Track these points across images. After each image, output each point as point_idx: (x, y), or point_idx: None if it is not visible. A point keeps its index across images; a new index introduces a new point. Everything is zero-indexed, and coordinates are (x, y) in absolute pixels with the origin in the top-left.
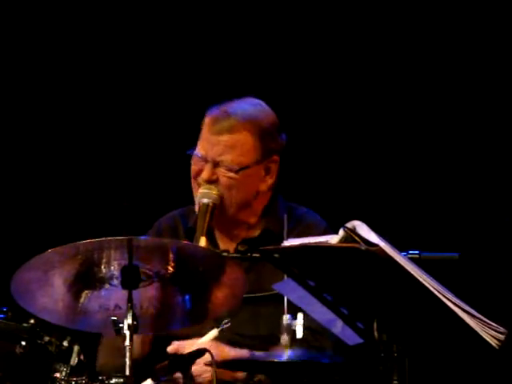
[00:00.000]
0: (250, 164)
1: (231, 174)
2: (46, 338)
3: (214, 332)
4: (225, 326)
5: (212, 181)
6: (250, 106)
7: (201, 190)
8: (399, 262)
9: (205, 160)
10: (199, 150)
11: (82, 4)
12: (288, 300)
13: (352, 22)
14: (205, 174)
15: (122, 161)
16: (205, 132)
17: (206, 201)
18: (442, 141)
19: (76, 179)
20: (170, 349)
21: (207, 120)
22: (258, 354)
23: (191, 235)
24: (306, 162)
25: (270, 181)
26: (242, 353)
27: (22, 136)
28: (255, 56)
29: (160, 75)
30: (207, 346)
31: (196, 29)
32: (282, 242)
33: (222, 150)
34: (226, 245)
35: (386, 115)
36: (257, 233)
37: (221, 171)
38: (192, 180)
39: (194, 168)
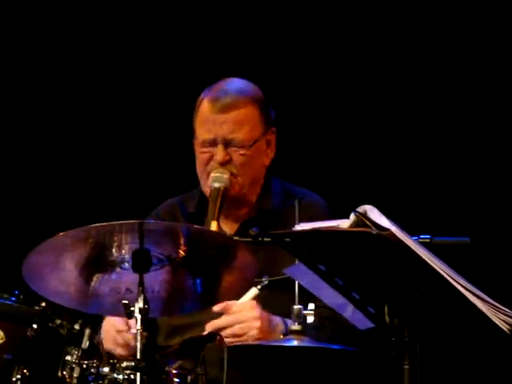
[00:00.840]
0: (258, 137)
1: (244, 151)
2: (58, 321)
3: (254, 290)
4: (264, 283)
5: (226, 162)
6: (242, 82)
7: (212, 174)
8: (410, 246)
9: (214, 142)
10: (205, 134)
11: (81, 4)
12: (299, 288)
13: (351, 21)
14: (219, 156)
15: (127, 150)
16: (206, 114)
17: (217, 185)
18: (454, 127)
19: (85, 164)
20: (216, 308)
21: (206, 101)
22: (290, 322)
23: (194, 220)
24: (314, 145)
25: (271, 154)
26: (276, 319)
27: (33, 123)
28: (254, 55)
29: (155, 73)
30: (252, 305)
31: (195, 30)
32: (279, 222)
33: (232, 128)
34: (226, 226)
35: (393, 101)
36: (255, 212)
37: (233, 149)
38: (200, 168)
39: (202, 156)
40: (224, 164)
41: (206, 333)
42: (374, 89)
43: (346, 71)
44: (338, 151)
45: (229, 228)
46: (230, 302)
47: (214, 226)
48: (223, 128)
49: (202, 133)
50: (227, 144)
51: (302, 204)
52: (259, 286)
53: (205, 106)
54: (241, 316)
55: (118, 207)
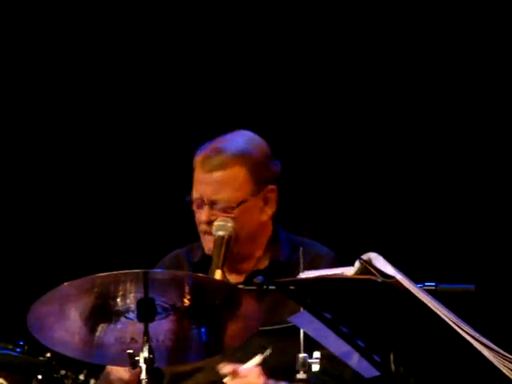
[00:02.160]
0: (246, 198)
1: (228, 214)
2: (63, 372)
3: (258, 358)
4: (267, 354)
5: (212, 221)
6: (240, 140)
7: (216, 223)
8: (416, 294)
9: (201, 202)
10: (195, 194)
11: (82, 4)
12: (303, 336)
13: (349, 27)
14: (204, 216)
15: (135, 198)
16: (197, 173)
17: (221, 233)
18: (457, 172)
19: (91, 214)
20: (224, 371)
21: (198, 159)
22: None
23: (199, 270)
24: (314, 194)
25: (269, 211)
26: None
27: (40, 160)
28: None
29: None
30: (259, 372)
31: (195, 46)
32: (290, 272)
33: (217, 189)
34: (233, 279)
35: (393, 143)
36: (264, 264)
37: (218, 211)
38: (197, 228)
39: (196, 217)
40: (210, 224)
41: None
42: (375, 133)
43: (344, 119)
44: (342, 199)
45: (236, 280)
46: (237, 366)
47: (218, 275)
48: (207, 189)
49: (193, 192)
50: (213, 204)
51: (310, 255)
52: (263, 357)
53: (196, 165)
54: (246, 381)
55: (123, 257)
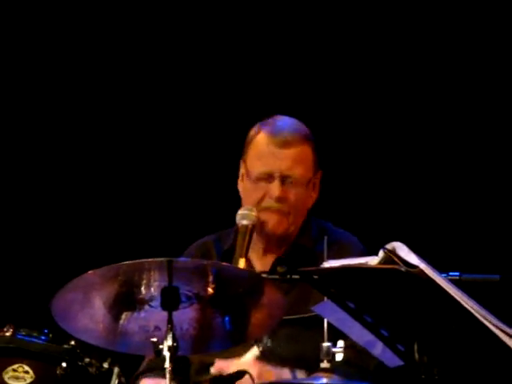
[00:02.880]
0: (311, 178)
1: (298, 190)
2: (87, 360)
3: (255, 351)
4: (266, 344)
5: (283, 198)
6: (295, 121)
7: (240, 212)
8: (439, 283)
9: (270, 177)
10: (261, 167)
11: (82, 4)
12: (328, 325)
13: (351, 27)
14: (277, 191)
15: (161, 185)
16: (263, 148)
17: (245, 222)
18: (481, 166)
19: (116, 203)
20: (213, 369)
21: (263, 135)
22: (299, 375)
23: (228, 258)
24: (340, 182)
25: (314, 196)
26: (283, 373)
27: (60, 156)
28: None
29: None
30: (250, 365)
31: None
32: (315, 260)
33: (291, 164)
34: (261, 263)
35: (424, 137)
36: (289, 249)
37: (289, 187)
38: (252, 203)
39: (256, 192)
40: (280, 200)
41: (235, 370)
42: (404, 127)
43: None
44: (367, 188)
45: (263, 264)
46: (227, 362)
47: (241, 264)
48: (282, 163)
49: (258, 166)
50: (283, 180)
51: (338, 245)
52: (260, 347)
53: (262, 140)
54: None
55: (148, 245)
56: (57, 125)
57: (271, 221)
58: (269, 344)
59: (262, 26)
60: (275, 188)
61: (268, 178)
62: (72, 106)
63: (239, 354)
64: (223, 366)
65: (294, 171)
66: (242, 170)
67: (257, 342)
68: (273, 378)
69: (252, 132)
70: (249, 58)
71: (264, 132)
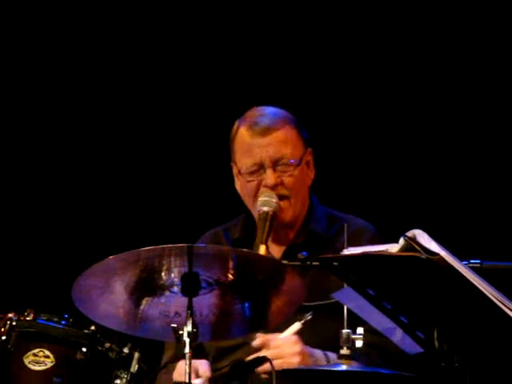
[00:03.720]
0: (301, 157)
1: (292, 171)
2: (107, 345)
3: (297, 325)
4: (308, 318)
5: (277, 184)
6: (273, 108)
7: (261, 198)
8: (460, 271)
9: (261, 167)
10: (250, 161)
11: (82, 4)
12: (347, 312)
13: (352, 27)
14: (270, 180)
15: (177, 177)
16: (246, 141)
17: (266, 209)
18: (499, 155)
19: (135, 190)
20: (255, 343)
21: (243, 129)
22: (331, 355)
23: (239, 246)
24: (360, 168)
25: (311, 174)
26: (317, 353)
27: (81, 143)
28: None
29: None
30: (293, 340)
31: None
32: (327, 246)
33: (279, 147)
34: (273, 249)
35: (442, 125)
36: (301, 237)
37: (282, 171)
38: (250, 198)
39: (250, 185)
40: (275, 187)
41: (254, 356)
42: (415, 118)
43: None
44: (388, 176)
45: (276, 251)
46: (269, 337)
47: (262, 250)
48: (269, 150)
49: (246, 160)
50: (275, 166)
51: (350, 229)
52: (303, 321)
53: (243, 134)
54: (280, 351)
55: (167, 231)
56: (64, 116)
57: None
58: (309, 317)
59: (259, 27)
60: (268, 176)
61: (259, 168)
62: (71, 102)
63: (281, 327)
64: (266, 340)
65: (282, 153)
66: (234, 171)
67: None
68: (310, 357)
69: (233, 130)
70: (248, 59)
71: (243, 126)
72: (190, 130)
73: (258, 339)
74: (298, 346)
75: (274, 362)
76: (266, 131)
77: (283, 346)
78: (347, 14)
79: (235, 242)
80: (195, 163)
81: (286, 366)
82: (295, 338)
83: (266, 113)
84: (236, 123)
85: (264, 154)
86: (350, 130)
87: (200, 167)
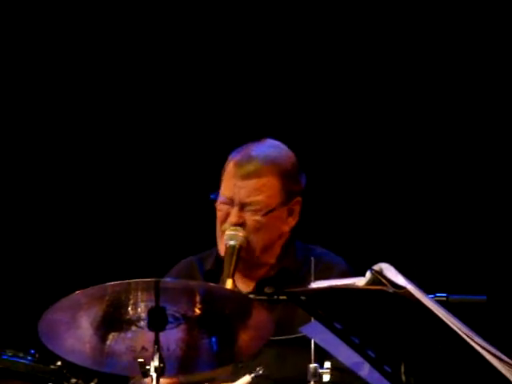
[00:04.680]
0: (275, 207)
1: (258, 218)
2: (73, 380)
3: (247, 378)
4: (259, 372)
5: (239, 224)
6: (272, 149)
7: (227, 232)
8: (427, 304)
9: (231, 203)
10: (225, 193)
11: (82, 4)
12: (315, 346)
13: (353, 27)
14: (232, 218)
15: (148, 205)
16: (230, 176)
17: (232, 243)
18: (468, 182)
19: (101, 223)
20: None
21: (231, 164)
22: None
23: (210, 278)
24: (326, 204)
25: (292, 222)
26: None
27: (44, 165)
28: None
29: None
30: None
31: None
32: (299, 282)
33: (250, 193)
34: (243, 285)
35: (401, 154)
36: (274, 272)
37: (248, 214)
38: (218, 226)
39: (220, 214)
40: (236, 226)
41: None
42: (383, 145)
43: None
44: (353, 209)
45: (246, 286)
46: None
47: (229, 284)
48: (241, 192)
49: (223, 191)
50: (243, 207)
51: (322, 264)
52: (253, 375)
53: (229, 169)
54: None
55: (134, 265)
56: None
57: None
58: (261, 372)
59: (260, 31)
60: (232, 214)
61: (230, 203)
62: (69, 117)
63: (232, 381)
64: None
65: (252, 199)
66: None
67: (249, 369)
68: None
69: (228, 158)
70: (249, 63)
71: (232, 162)
72: (159, 164)
73: None
74: None
75: None
76: (246, 175)
77: None
78: (346, 19)
79: (207, 274)
80: (165, 196)
81: None
82: None
83: (257, 155)
84: (231, 154)
85: (237, 193)
86: (321, 165)
87: (170, 199)
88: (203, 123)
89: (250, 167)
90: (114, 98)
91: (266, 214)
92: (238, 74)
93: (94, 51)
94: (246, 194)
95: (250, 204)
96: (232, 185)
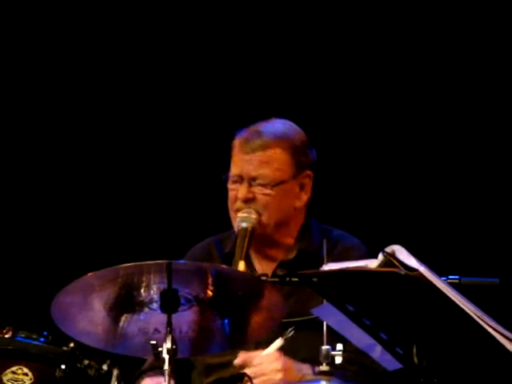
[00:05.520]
0: (285, 179)
1: (268, 191)
2: (86, 362)
3: (279, 341)
4: (289, 334)
5: (249, 199)
6: (279, 125)
7: (240, 214)
8: (439, 286)
9: (240, 179)
10: (233, 170)
11: (82, 4)
12: (327, 328)
13: (354, 27)
14: (241, 193)
15: (162, 187)
16: (237, 153)
17: (244, 225)
18: (479, 171)
19: (117, 205)
20: (237, 361)
21: (238, 141)
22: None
23: (229, 261)
24: (342, 185)
25: (305, 197)
26: (304, 367)
27: (64, 159)
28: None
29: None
30: (275, 356)
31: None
32: (318, 264)
33: (257, 166)
34: (263, 267)
35: (424, 140)
36: (293, 255)
37: (257, 188)
38: (230, 207)
39: (231, 194)
40: (247, 202)
41: (234, 373)
42: (404, 130)
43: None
44: (367, 191)
45: (268, 268)
46: (251, 354)
47: (241, 266)
48: (249, 166)
49: (232, 170)
50: (252, 182)
51: (341, 246)
52: (285, 337)
53: (236, 145)
54: (262, 369)
55: (149, 248)
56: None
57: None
58: (292, 333)
59: (261, 28)
60: (241, 190)
61: (239, 180)
62: (69, 115)
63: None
64: (247, 358)
65: (259, 172)
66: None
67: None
68: (295, 372)
69: (234, 138)
70: (249, 59)
71: (238, 139)
72: (178, 141)
73: (239, 358)
74: (279, 363)
75: (257, 380)
76: (252, 149)
77: (265, 363)
78: (347, 19)
79: (225, 257)
80: (179, 178)
81: (268, 383)
82: (277, 354)
83: (263, 130)
84: (237, 133)
85: (244, 167)
86: (339, 149)
87: (184, 182)
88: (219, 103)
89: (257, 142)
90: (120, 78)
91: (275, 187)
92: (253, 54)
93: (94, 51)
94: (253, 167)
95: (258, 178)
96: (239, 161)
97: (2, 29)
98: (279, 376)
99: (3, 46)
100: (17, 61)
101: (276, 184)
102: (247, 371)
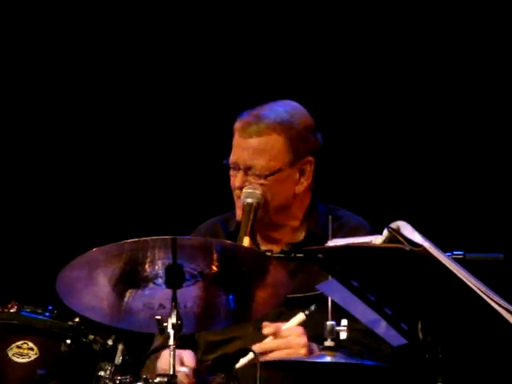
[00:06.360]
0: (281, 167)
1: (262, 181)
2: (91, 337)
3: (301, 316)
4: (312, 309)
5: (243, 188)
6: (282, 109)
7: (245, 190)
8: (444, 262)
9: (237, 166)
10: (232, 156)
11: (82, 4)
12: (332, 304)
13: (355, 27)
14: (237, 182)
15: (169, 163)
16: (236, 137)
17: (249, 200)
18: (485, 143)
19: (122, 181)
20: (267, 331)
21: (237, 125)
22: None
23: (234, 239)
24: (345, 162)
25: (305, 182)
26: (314, 346)
27: (75, 135)
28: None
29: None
30: (301, 331)
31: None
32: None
33: (252, 155)
34: (273, 247)
35: (427, 119)
36: (301, 236)
37: (252, 178)
38: (233, 193)
39: (231, 180)
40: (242, 190)
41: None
42: (408, 112)
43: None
44: (372, 167)
45: (276, 250)
46: (279, 325)
47: (246, 242)
48: (244, 154)
49: (231, 156)
50: (247, 171)
51: (347, 226)
52: (307, 312)
53: (236, 129)
54: (288, 342)
55: (156, 224)
56: (58, 112)
57: (239, 209)
58: (313, 308)
59: (264, 23)
60: (237, 178)
61: (236, 167)
62: (68, 97)
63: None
64: (277, 328)
65: (254, 162)
66: None
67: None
68: (311, 351)
69: (237, 118)
70: (251, 54)
71: (236, 123)
72: (180, 125)
73: (269, 328)
74: (304, 338)
75: (279, 352)
76: (249, 135)
77: (292, 336)
78: (349, 16)
79: (231, 235)
80: (185, 155)
81: (293, 357)
82: (301, 329)
83: (262, 114)
84: (237, 118)
85: (241, 155)
86: (343, 129)
87: (190, 160)
88: (227, 82)
89: (254, 127)
90: (125, 71)
91: (270, 176)
92: (259, 37)
93: (94, 51)
94: (248, 156)
95: (252, 167)
96: (237, 146)
97: (2, 29)
98: (303, 351)
99: (3, 46)
100: (17, 61)
101: (270, 174)
102: (273, 342)
